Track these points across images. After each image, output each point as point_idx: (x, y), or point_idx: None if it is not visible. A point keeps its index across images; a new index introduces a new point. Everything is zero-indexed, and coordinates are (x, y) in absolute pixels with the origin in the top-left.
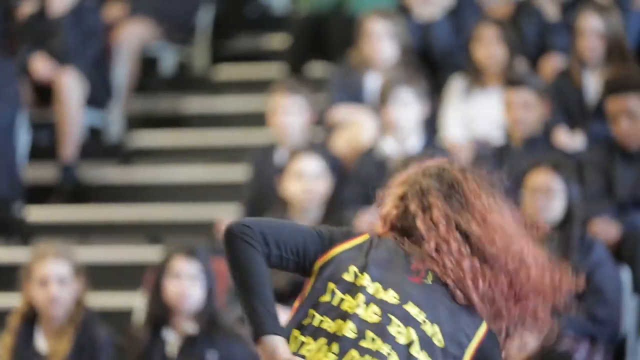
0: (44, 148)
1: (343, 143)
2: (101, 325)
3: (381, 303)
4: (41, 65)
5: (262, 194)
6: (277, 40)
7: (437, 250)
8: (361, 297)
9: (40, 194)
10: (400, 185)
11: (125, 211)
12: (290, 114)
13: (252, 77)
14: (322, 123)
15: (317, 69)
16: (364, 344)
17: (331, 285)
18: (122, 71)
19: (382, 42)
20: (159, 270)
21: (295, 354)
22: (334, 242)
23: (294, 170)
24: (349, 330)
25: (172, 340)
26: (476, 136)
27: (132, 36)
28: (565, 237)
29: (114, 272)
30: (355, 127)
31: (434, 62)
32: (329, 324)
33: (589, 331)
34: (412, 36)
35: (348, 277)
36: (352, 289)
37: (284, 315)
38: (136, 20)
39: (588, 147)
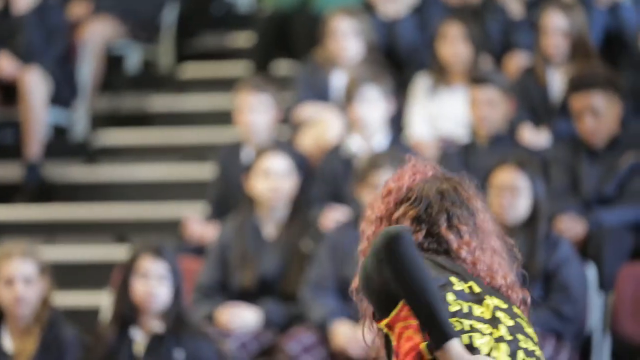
0: (9, 147)
1: (309, 141)
2: (67, 325)
3: (502, 310)
4: (5, 63)
5: (229, 193)
6: (243, 39)
7: (473, 263)
8: (490, 305)
9: (5, 193)
10: (408, 203)
11: (91, 210)
12: (256, 112)
13: (218, 75)
14: (288, 121)
15: (282, 67)
16: (522, 344)
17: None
18: (87, 69)
19: (347, 40)
20: (126, 270)
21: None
22: None
23: (261, 168)
24: (506, 333)
25: (139, 339)
26: (441, 134)
27: (97, 34)
28: (531, 234)
29: (81, 271)
30: (321, 125)
31: (399, 60)
32: (481, 326)
33: (555, 328)
34: (378, 34)
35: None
36: (478, 300)
37: (250, 313)
38: (101, 19)
39: (553, 145)
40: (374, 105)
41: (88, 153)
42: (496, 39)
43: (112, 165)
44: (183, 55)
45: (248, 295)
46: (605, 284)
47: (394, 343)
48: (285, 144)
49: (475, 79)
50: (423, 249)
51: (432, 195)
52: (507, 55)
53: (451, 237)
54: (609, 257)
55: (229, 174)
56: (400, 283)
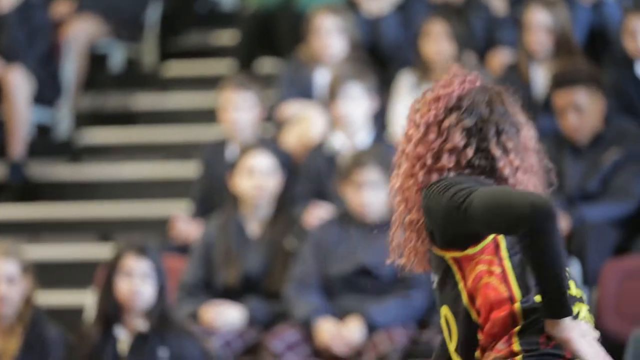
0: None
1: (293, 139)
2: (51, 324)
3: None
4: None
5: (213, 190)
6: (226, 37)
7: (513, 186)
8: None
9: None
10: (460, 112)
11: (75, 209)
12: (240, 109)
13: (202, 74)
14: (272, 119)
15: (266, 64)
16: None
17: None
18: (71, 68)
19: (331, 37)
20: (110, 268)
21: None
22: None
23: (245, 166)
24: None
25: (123, 337)
26: None
27: (80, 33)
28: None
29: (65, 270)
30: (305, 123)
31: (382, 58)
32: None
33: None
34: (361, 31)
35: None
36: None
37: (234, 311)
38: (84, 17)
39: (536, 141)
40: (357, 103)
41: (72, 152)
42: (480, 36)
43: (96, 164)
44: (167, 53)
45: (232, 294)
46: (589, 280)
47: (459, 276)
48: (269, 142)
49: None
50: (473, 167)
51: (483, 108)
52: (491, 52)
53: (498, 154)
54: (592, 253)
55: (213, 172)
56: (544, 257)
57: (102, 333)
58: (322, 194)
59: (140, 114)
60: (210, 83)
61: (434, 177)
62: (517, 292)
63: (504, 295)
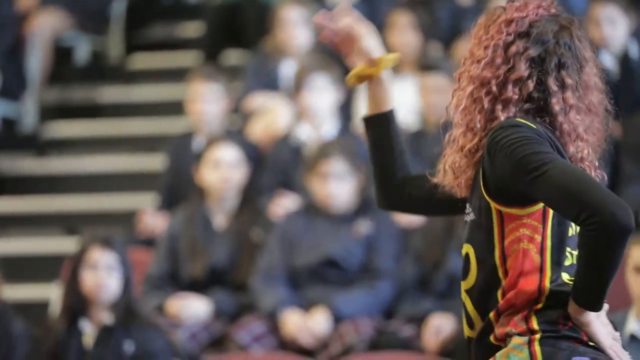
0: None
1: (259, 130)
2: (16, 318)
3: None
4: None
5: (180, 183)
6: (192, 29)
7: (561, 125)
8: None
9: None
10: (527, 40)
11: (41, 202)
12: (207, 101)
13: (167, 66)
14: (238, 111)
15: (232, 56)
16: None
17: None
18: (36, 61)
19: (296, 29)
20: (75, 261)
21: None
22: None
23: (211, 159)
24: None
25: (88, 331)
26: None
27: (45, 26)
28: None
29: (31, 264)
30: (271, 114)
31: None
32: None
33: None
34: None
35: None
36: None
37: (200, 303)
38: (49, 10)
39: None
40: (323, 94)
41: (37, 145)
42: (445, 26)
43: (61, 157)
44: (132, 45)
45: (198, 286)
46: None
47: (497, 230)
48: (235, 134)
49: (425, 66)
50: (532, 100)
51: (550, 38)
52: (456, 42)
53: (554, 89)
54: None
55: (180, 164)
56: (605, 261)
57: (67, 326)
58: (288, 185)
59: (106, 106)
60: (176, 75)
61: (499, 107)
62: (549, 266)
63: (536, 265)
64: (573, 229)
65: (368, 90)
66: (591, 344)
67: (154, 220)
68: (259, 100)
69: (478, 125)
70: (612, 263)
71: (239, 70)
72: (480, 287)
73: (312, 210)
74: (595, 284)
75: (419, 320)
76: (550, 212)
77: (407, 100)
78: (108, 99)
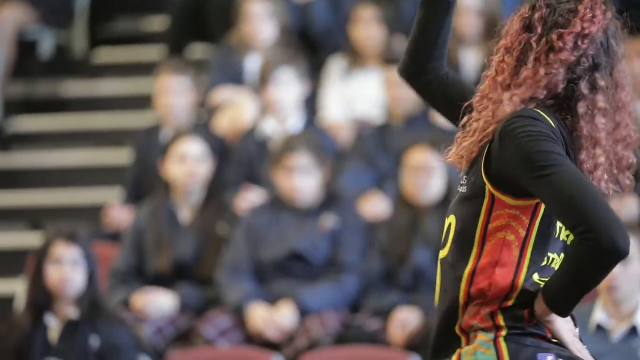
0: None
1: (224, 124)
2: None
3: None
4: None
5: (148, 176)
6: (157, 22)
7: (580, 130)
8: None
9: None
10: (571, 50)
11: (5, 197)
12: (175, 94)
13: (132, 60)
14: (203, 104)
15: (197, 50)
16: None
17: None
18: None
19: (261, 22)
20: (40, 256)
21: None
22: None
23: (176, 153)
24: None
25: (53, 325)
26: (356, 115)
27: (8, 20)
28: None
29: None
30: (236, 108)
31: (313, 42)
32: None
33: None
34: (291, 16)
35: None
36: None
37: (165, 298)
38: (12, 4)
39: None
40: (288, 88)
41: (1, 140)
42: (409, 20)
43: (26, 151)
44: (97, 39)
45: (163, 280)
46: None
47: (484, 210)
48: (200, 128)
49: (389, 59)
50: (557, 99)
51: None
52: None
53: (585, 93)
54: None
55: (147, 158)
56: (586, 275)
57: (32, 321)
58: (253, 178)
59: (70, 101)
60: (140, 69)
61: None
62: (526, 263)
63: (514, 260)
64: (557, 233)
65: None
66: (554, 340)
67: (120, 214)
68: (224, 94)
69: (496, 115)
70: (595, 280)
71: (204, 64)
72: (451, 259)
73: (278, 204)
74: (572, 294)
75: (384, 314)
76: (541, 210)
77: (371, 94)
78: (72, 93)
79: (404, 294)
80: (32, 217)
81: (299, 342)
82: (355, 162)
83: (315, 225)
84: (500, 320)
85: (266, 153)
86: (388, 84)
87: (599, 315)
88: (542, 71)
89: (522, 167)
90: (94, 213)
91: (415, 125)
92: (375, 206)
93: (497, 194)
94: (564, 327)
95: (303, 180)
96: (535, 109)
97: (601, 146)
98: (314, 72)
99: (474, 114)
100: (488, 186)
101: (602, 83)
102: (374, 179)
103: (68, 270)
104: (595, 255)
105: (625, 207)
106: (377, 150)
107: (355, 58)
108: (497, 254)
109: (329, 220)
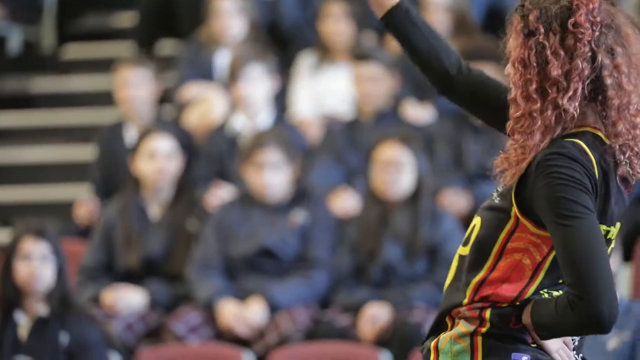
0: None
1: (194, 120)
2: None
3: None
4: None
5: (114, 173)
6: (126, 19)
7: (614, 124)
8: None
9: None
10: (586, 43)
11: None
12: (136, 87)
13: (101, 56)
14: (172, 101)
15: (166, 46)
16: None
17: None
18: None
19: (230, 18)
20: (8, 252)
21: None
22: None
23: (146, 150)
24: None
25: (23, 322)
26: (326, 111)
27: None
28: (415, 209)
29: None
30: (206, 104)
31: (282, 38)
32: None
33: (439, 302)
34: (260, 12)
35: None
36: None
37: (135, 294)
38: None
39: (437, 120)
40: (257, 84)
41: None
42: None
43: None
44: (65, 36)
45: (133, 276)
46: None
47: (507, 230)
48: (169, 124)
49: (359, 55)
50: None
51: (605, 34)
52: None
53: (606, 62)
54: None
55: (113, 154)
56: (566, 328)
57: (1, 318)
58: (223, 175)
59: (39, 97)
60: (109, 65)
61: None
62: (535, 285)
63: (524, 280)
64: None
65: None
66: (533, 345)
67: (90, 209)
68: (193, 90)
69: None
70: (571, 334)
71: (173, 60)
72: (467, 262)
73: (248, 200)
74: (554, 332)
75: (354, 310)
76: None
77: (341, 90)
78: (41, 89)
79: (374, 289)
80: (0, 214)
81: (269, 338)
82: (325, 158)
83: (285, 222)
84: (487, 315)
85: (236, 149)
86: (357, 79)
87: None
88: (567, 61)
89: (546, 206)
90: (63, 209)
91: (384, 121)
92: (345, 202)
93: (521, 218)
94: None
95: (273, 177)
96: (579, 142)
97: (634, 106)
98: (284, 68)
99: (516, 136)
100: (515, 209)
101: (618, 49)
102: (344, 174)
103: (37, 265)
104: (579, 321)
105: None
106: (347, 146)
107: (325, 54)
108: (509, 272)
109: (298, 216)
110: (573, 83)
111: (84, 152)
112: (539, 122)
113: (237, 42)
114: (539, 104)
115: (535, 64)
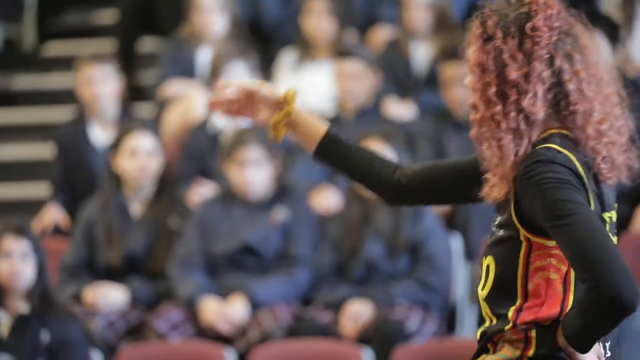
0: None
1: (175, 118)
2: None
3: (613, 225)
4: None
5: (76, 170)
6: (107, 16)
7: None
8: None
9: None
10: (544, 46)
11: None
12: (100, 84)
13: (82, 54)
14: (153, 98)
15: (147, 43)
16: None
17: None
18: None
19: (212, 15)
20: None
21: None
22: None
23: (127, 147)
24: None
25: (3, 320)
26: (307, 108)
27: None
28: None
29: None
30: (187, 102)
31: (264, 35)
32: None
33: (421, 299)
34: (242, 9)
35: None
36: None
37: (116, 292)
38: None
39: (418, 117)
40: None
41: None
42: (360, 13)
43: None
44: (46, 33)
45: (115, 274)
46: (471, 255)
47: (523, 253)
48: (150, 122)
49: (340, 52)
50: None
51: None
52: (372, 29)
53: (566, 67)
54: (475, 228)
55: (74, 152)
56: (594, 324)
57: None
58: (205, 172)
59: (19, 94)
60: None
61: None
62: (571, 297)
63: (560, 296)
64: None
65: (295, 130)
66: None
67: (54, 217)
68: (175, 88)
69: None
70: (603, 329)
71: (154, 57)
72: (493, 301)
73: (229, 197)
74: (586, 336)
75: (336, 307)
76: None
77: (322, 86)
78: (22, 86)
79: (355, 287)
80: None
81: (251, 335)
82: (306, 155)
83: (267, 219)
84: (533, 334)
85: (217, 146)
86: (339, 76)
87: None
88: (525, 63)
89: (543, 214)
90: (44, 207)
91: (366, 118)
92: (327, 199)
93: (533, 238)
94: (586, 357)
95: (254, 174)
96: (551, 146)
97: (597, 113)
98: (265, 65)
99: (484, 145)
100: (522, 232)
101: (577, 56)
102: (326, 172)
103: (18, 263)
104: (602, 306)
105: None
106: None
107: (306, 50)
108: (543, 294)
109: (280, 214)
110: (532, 85)
111: (52, 151)
112: (504, 125)
113: (218, 39)
114: (499, 107)
115: (493, 68)
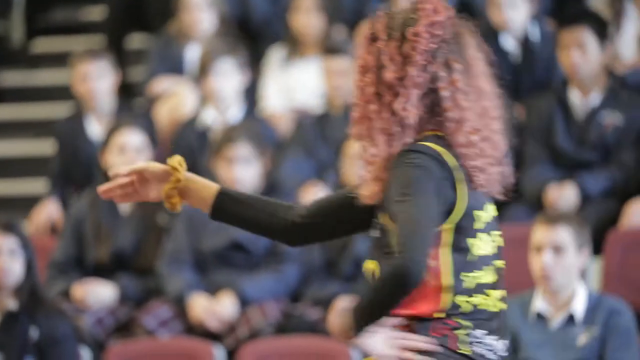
0: None
1: (164, 114)
2: None
3: (491, 224)
4: None
5: (75, 165)
6: (96, 12)
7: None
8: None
9: None
10: (421, 52)
11: None
12: (95, 79)
13: (70, 50)
14: (142, 95)
15: (136, 40)
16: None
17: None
18: None
19: (201, 12)
20: None
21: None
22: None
23: (116, 144)
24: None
25: None
26: (296, 105)
27: None
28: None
29: None
30: (176, 98)
31: (252, 32)
32: (486, 277)
33: None
34: (230, 6)
35: (483, 218)
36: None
37: (105, 288)
38: None
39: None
40: (228, 78)
41: None
42: (349, 9)
43: None
44: (35, 29)
45: (103, 271)
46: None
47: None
48: (139, 118)
49: (329, 49)
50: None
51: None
52: (361, 25)
53: (442, 74)
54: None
55: (73, 147)
56: (379, 296)
57: None
58: (194, 169)
59: (7, 91)
60: None
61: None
62: (445, 291)
63: (435, 290)
64: (472, 254)
65: (188, 195)
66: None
67: (49, 212)
68: (163, 85)
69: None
70: (384, 301)
71: (143, 54)
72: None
73: None
74: (366, 306)
75: (325, 304)
76: (443, 238)
77: (311, 83)
78: (10, 83)
79: (344, 283)
80: None
81: (240, 332)
82: (296, 151)
83: None
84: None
85: (206, 143)
86: (327, 73)
87: (539, 303)
88: (402, 67)
89: (393, 189)
90: (33, 204)
91: None
92: (316, 195)
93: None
94: (377, 347)
95: (243, 171)
96: (425, 143)
97: (470, 123)
98: (254, 62)
99: (363, 141)
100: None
101: (457, 66)
102: (315, 168)
103: (6, 260)
104: (390, 278)
105: (563, 196)
106: (317, 139)
107: (295, 47)
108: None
109: None
110: (406, 89)
111: (53, 147)
112: (378, 125)
113: (207, 36)
114: (375, 106)
115: (374, 69)
